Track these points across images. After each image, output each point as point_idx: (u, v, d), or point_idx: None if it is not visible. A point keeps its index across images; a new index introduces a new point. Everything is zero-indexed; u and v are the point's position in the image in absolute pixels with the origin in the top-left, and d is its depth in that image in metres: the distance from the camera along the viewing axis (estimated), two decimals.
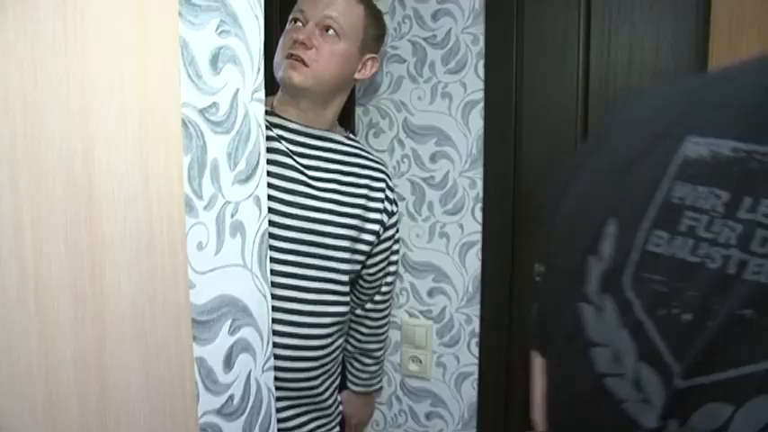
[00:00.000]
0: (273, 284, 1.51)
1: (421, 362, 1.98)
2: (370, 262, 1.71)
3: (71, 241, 0.71)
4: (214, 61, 0.91)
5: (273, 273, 1.50)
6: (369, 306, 1.80)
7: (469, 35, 1.79)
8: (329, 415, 1.68)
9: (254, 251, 1.02)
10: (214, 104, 0.91)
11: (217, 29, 0.91)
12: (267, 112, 1.55)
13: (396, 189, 1.89)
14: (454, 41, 1.80)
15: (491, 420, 1.93)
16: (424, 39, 1.83)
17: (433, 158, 1.88)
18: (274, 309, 1.51)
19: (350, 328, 1.82)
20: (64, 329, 0.72)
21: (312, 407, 1.62)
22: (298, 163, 1.55)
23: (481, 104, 1.80)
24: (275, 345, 1.51)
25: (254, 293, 1.03)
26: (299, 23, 1.55)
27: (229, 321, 0.98)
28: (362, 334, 1.83)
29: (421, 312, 1.96)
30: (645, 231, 0.62)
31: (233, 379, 1.00)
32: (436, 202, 1.89)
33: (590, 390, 0.65)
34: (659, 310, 0.59)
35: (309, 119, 1.60)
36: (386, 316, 1.86)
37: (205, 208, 0.92)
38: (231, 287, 0.98)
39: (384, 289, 1.80)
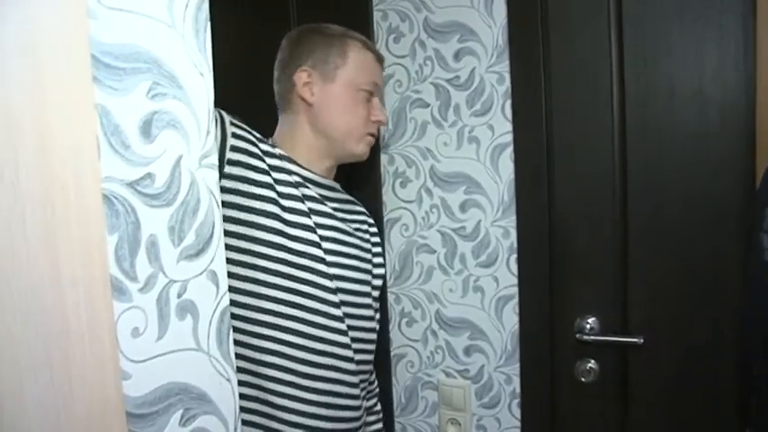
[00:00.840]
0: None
1: (460, 424, 1.83)
2: None
3: None
4: (146, 128, 0.83)
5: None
6: None
7: (494, 74, 1.67)
8: None
9: (210, 332, 0.93)
10: (148, 175, 0.83)
11: (148, 92, 0.83)
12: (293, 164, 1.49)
13: (427, 240, 1.79)
14: (479, 82, 1.69)
15: None
16: (447, 80, 1.72)
17: (463, 207, 1.75)
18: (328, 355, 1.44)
19: None
20: None
21: None
22: (334, 214, 1.54)
23: (510, 147, 1.67)
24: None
25: (214, 378, 0.94)
26: (368, 94, 1.55)
27: (180, 411, 0.89)
28: None
29: (458, 372, 1.82)
30: None
31: None
32: (468, 253, 1.76)
33: (761, 266, 1.28)
34: None
35: (328, 173, 1.58)
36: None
37: (141, 290, 0.83)
38: (181, 374, 0.89)
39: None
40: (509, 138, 1.67)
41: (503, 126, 1.68)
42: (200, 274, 0.91)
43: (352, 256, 1.54)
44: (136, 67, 0.81)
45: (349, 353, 1.46)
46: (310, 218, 1.44)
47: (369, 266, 1.61)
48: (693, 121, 1.52)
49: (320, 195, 1.51)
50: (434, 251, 1.80)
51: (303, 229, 1.42)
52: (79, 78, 0.75)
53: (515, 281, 1.71)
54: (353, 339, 1.48)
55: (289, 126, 1.54)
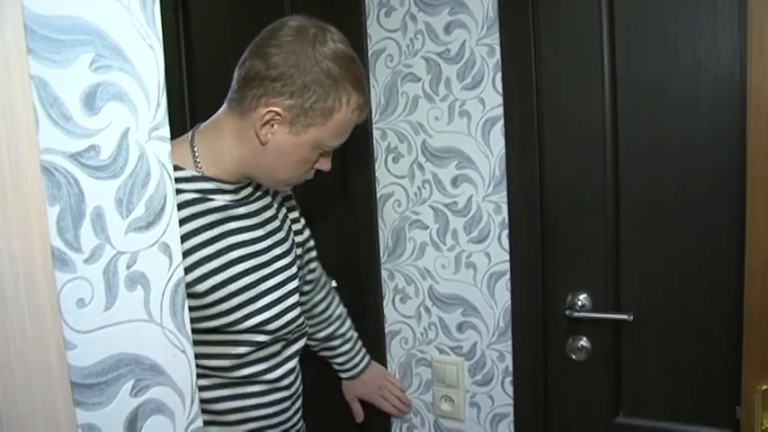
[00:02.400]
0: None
1: (453, 402, 1.82)
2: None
3: None
4: (89, 100, 0.83)
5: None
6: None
7: (485, 47, 1.64)
8: None
9: (163, 304, 0.93)
10: (93, 147, 0.83)
11: (91, 65, 0.83)
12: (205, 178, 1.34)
13: (420, 216, 1.79)
14: (469, 55, 1.66)
15: None
16: (438, 54, 1.70)
17: (455, 183, 1.73)
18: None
19: None
20: None
21: None
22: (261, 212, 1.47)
23: (501, 121, 1.65)
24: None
25: (168, 349, 0.94)
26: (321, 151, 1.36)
27: (131, 382, 0.89)
28: (312, 326, 1.73)
29: (451, 349, 1.81)
30: None
31: None
32: (460, 229, 1.75)
33: None
34: None
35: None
36: (323, 299, 1.73)
37: (86, 261, 0.83)
38: (131, 345, 0.89)
39: (309, 277, 1.69)
40: (500, 111, 1.65)
41: (493, 99, 1.65)
42: (152, 245, 0.91)
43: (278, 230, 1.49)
44: (77, 39, 0.81)
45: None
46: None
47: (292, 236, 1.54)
48: (688, 92, 1.48)
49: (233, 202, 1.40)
50: (427, 227, 1.79)
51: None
52: (12, 49, 0.75)
53: (507, 257, 1.70)
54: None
55: (224, 133, 1.34)
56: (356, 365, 1.79)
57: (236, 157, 1.34)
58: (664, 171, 1.52)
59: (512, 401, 1.75)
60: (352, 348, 1.78)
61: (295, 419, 1.53)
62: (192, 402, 0.99)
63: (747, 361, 1.35)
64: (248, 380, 1.41)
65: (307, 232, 1.64)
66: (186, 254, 1.30)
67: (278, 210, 1.51)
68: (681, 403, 1.58)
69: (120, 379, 0.88)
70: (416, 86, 1.74)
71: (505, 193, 1.67)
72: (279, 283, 1.43)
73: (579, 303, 1.64)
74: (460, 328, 1.79)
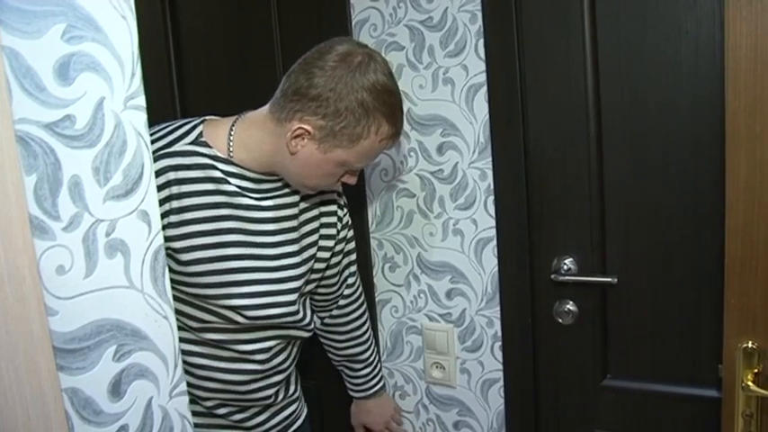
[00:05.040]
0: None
1: (444, 368, 1.85)
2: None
3: None
4: (63, 71, 0.84)
5: None
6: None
7: (466, 13, 1.64)
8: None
9: (144, 270, 0.95)
10: (68, 117, 0.84)
11: (63, 35, 0.84)
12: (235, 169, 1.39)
13: (407, 185, 1.80)
14: (451, 22, 1.66)
15: (521, 430, 1.78)
16: (421, 22, 1.70)
17: (440, 150, 1.74)
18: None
19: (324, 337, 1.79)
20: None
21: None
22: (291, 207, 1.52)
23: (485, 87, 1.65)
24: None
25: (150, 315, 0.96)
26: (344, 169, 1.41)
27: (114, 347, 0.91)
28: (339, 341, 1.77)
29: (441, 316, 1.84)
30: None
31: (125, 408, 0.93)
32: (447, 196, 1.76)
33: None
34: None
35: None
36: (356, 319, 1.77)
37: (65, 229, 0.85)
38: (113, 311, 0.91)
39: (346, 291, 1.73)
40: (483, 78, 1.65)
41: (476, 66, 1.66)
42: (130, 213, 0.93)
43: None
44: (47, 9, 0.82)
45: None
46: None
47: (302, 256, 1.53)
48: (669, 55, 1.49)
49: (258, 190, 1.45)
50: (414, 195, 1.81)
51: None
52: None
53: (493, 223, 1.71)
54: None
55: (261, 130, 1.39)
56: (370, 388, 1.83)
57: (266, 153, 1.40)
58: (647, 134, 1.53)
59: (501, 367, 1.78)
60: (370, 372, 1.82)
61: (266, 393, 1.54)
62: (176, 367, 1.01)
63: (728, 319, 1.37)
64: (217, 345, 1.45)
65: (343, 245, 1.67)
66: (183, 223, 1.36)
67: (303, 212, 1.53)
68: (666, 364, 1.60)
69: (103, 344, 0.90)
70: (400, 55, 1.75)
71: (490, 159, 1.68)
72: (279, 279, 1.46)
73: (565, 267, 1.65)
74: (449, 295, 1.81)
